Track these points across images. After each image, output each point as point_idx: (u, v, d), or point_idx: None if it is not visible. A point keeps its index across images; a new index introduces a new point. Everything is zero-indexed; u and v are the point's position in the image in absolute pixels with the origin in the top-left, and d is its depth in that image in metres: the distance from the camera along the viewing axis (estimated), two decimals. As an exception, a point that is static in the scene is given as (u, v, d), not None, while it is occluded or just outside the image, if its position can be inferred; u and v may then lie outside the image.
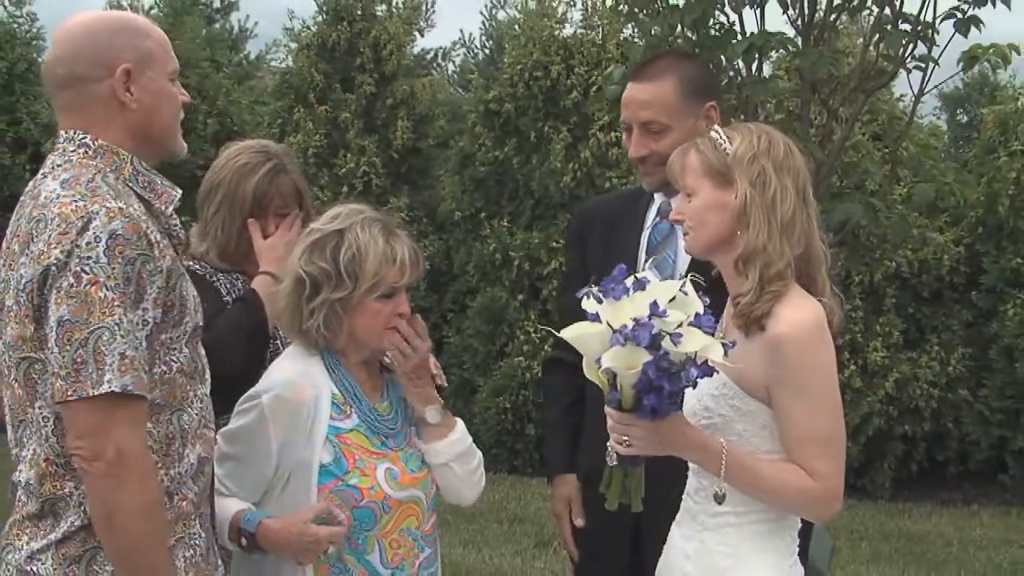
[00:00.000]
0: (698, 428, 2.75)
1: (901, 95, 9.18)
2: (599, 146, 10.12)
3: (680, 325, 2.49)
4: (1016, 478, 9.64)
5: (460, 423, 3.14)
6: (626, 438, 2.64)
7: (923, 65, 4.83)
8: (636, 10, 5.09)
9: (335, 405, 2.97)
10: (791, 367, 2.67)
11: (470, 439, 3.15)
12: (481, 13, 17.68)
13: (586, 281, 2.71)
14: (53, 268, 2.43)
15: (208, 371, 2.76)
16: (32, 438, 2.54)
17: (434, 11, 12.62)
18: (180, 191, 2.71)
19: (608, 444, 2.68)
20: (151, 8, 12.33)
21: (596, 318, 2.55)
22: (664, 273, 3.33)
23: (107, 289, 2.41)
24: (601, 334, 2.53)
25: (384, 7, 11.65)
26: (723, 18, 4.94)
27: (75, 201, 2.48)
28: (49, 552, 2.52)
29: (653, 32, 5.08)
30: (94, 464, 2.42)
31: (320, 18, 11.50)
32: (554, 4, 11.15)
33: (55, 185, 2.53)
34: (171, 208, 2.67)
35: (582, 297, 2.61)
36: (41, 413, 2.51)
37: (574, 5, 10.80)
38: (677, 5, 4.87)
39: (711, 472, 2.75)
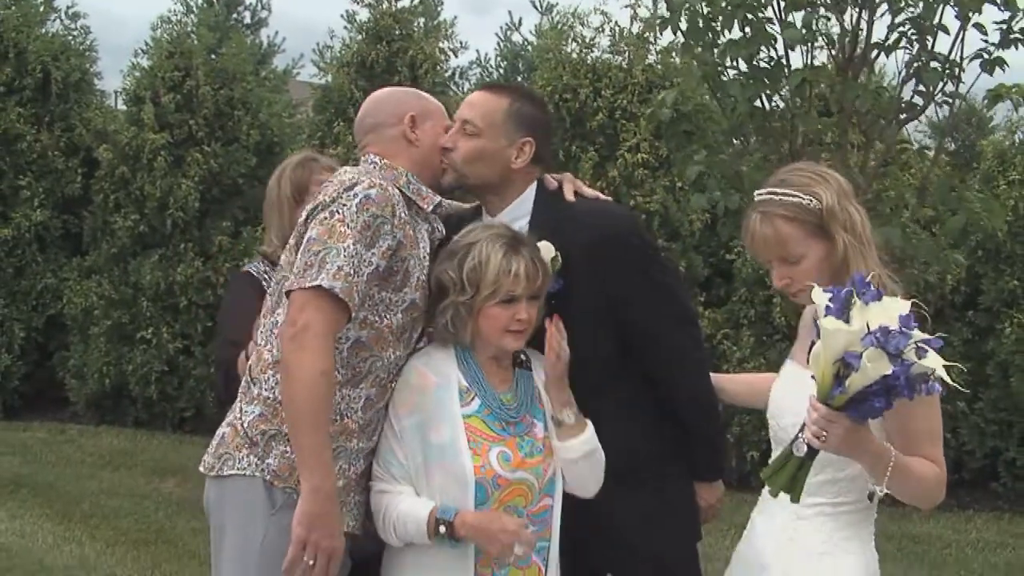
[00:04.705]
0: (875, 436, 2.83)
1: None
2: (626, 166, 10.38)
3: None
4: (1008, 486, 9.91)
5: (590, 426, 3.34)
6: (824, 434, 2.71)
7: (951, 101, 5.37)
8: (692, 42, 5.60)
9: (459, 392, 3.28)
10: None
11: (597, 442, 3.34)
12: (496, 35, 18.10)
13: None
14: (320, 205, 3.21)
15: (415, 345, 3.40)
16: (262, 335, 3.32)
17: (453, 29, 13.01)
18: (440, 198, 3.44)
19: (801, 435, 2.78)
20: (199, 25, 12.71)
21: (833, 311, 2.64)
22: None
23: (347, 227, 3.14)
24: (851, 333, 2.61)
25: (419, 24, 12.05)
26: (773, 52, 5.49)
27: (352, 175, 3.31)
28: (251, 414, 3.27)
29: (708, 63, 5.60)
30: (288, 329, 3.09)
31: (359, 37, 11.83)
32: (579, 28, 11.30)
33: (344, 169, 3.42)
34: (431, 207, 3.40)
35: (813, 289, 2.70)
36: (275, 318, 3.27)
37: (602, 31, 11.02)
38: (734, 39, 5.40)
39: (874, 475, 2.83)
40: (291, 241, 3.32)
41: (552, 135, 3.80)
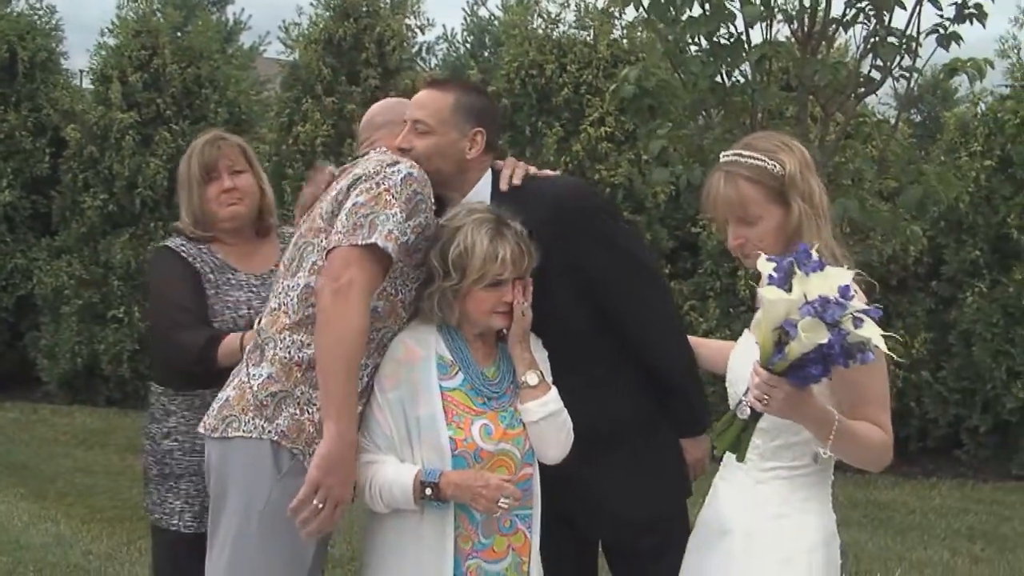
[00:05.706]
0: (819, 400, 2.88)
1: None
2: (589, 141, 10.47)
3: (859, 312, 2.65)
4: (970, 453, 10.04)
5: (554, 390, 3.37)
6: (766, 398, 2.79)
7: (907, 75, 5.44)
8: (654, 18, 5.64)
9: (442, 366, 3.33)
10: None
11: (561, 405, 3.37)
12: (463, 10, 18.05)
13: None
14: (363, 176, 3.30)
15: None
16: (276, 299, 3.37)
17: (420, 5, 12.97)
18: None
19: (744, 399, 2.85)
20: (164, 3, 12.68)
21: (775, 281, 2.70)
22: None
23: (392, 196, 3.24)
24: (791, 302, 2.66)
25: (386, 1, 12.05)
26: (732, 29, 5.55)
27: (390, 156, 3.41)
28: (260, 376, 3.31)
29: (669, 39, 5.65)
30: (331, 283, 3.14)
31: (326, 14, 11.83)
32: (545, 3, 11.39)
33: (378, 151, 3.50)
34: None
35: (759, 258, 2.79)
36: (294, 281, 3.32)
37: (567, 6, 11.09)
38: (694, 17, 5.45)
39: (819, 438, 2.89)
40: (320, 209, 3.36)
41: (498, 122, 3.88)
